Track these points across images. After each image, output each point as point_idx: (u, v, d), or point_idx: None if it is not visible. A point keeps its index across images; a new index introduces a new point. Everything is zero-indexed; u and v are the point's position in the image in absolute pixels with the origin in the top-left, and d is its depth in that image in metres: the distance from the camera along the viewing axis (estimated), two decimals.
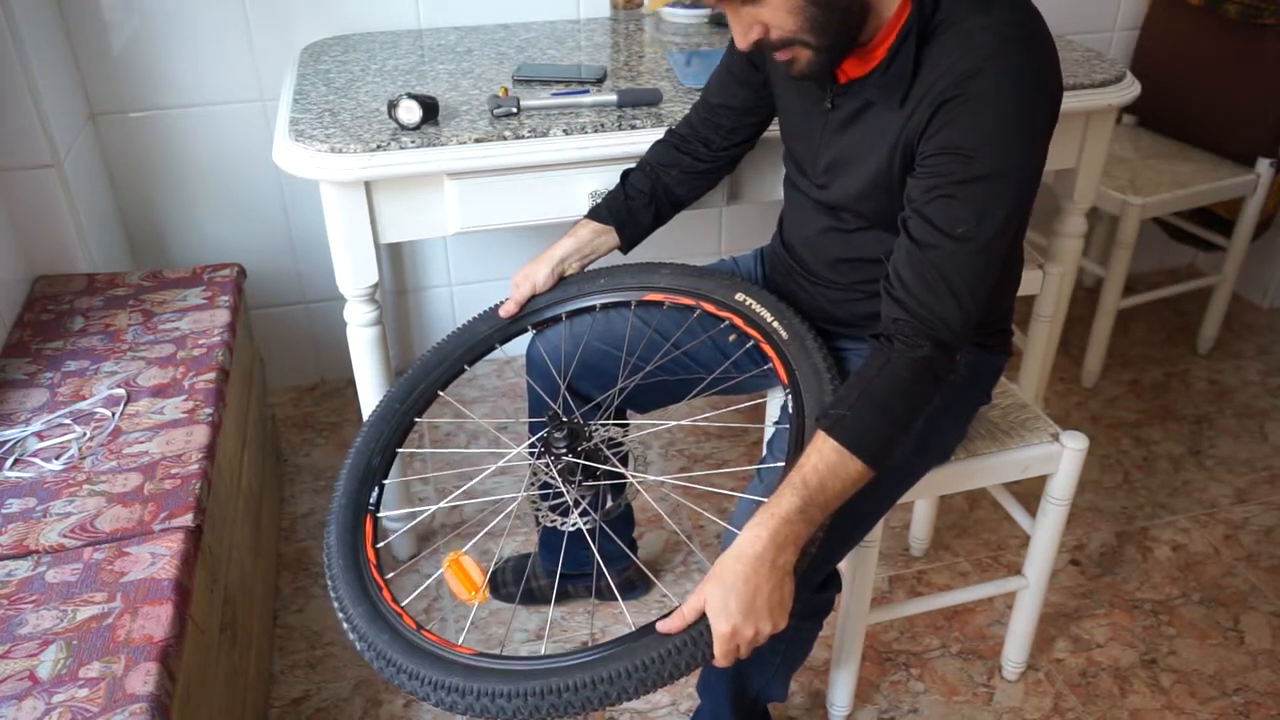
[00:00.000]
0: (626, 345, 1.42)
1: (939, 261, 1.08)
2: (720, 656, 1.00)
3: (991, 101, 1.04)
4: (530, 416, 1.58)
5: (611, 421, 1.37)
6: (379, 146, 1.44)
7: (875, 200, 1.19)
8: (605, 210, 1.44)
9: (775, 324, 1.31)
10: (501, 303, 1.45)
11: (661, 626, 1.01)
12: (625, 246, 1.46)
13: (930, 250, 1.08)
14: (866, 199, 1.20)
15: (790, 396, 1.23)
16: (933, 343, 1.09)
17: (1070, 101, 1.68)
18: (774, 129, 1.56)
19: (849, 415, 1.08)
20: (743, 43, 1.10)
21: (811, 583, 1.21)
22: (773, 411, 1.62)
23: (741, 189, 1.66)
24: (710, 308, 1.38)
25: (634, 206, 1.44)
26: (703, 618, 1.01)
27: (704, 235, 2.38)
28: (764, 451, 1.38)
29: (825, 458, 1.06)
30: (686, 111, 1.48)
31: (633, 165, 1.48)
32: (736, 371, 1.42)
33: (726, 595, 0.99)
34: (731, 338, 1.41)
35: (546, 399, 1.51)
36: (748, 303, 1.36)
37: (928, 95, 1.07)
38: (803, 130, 1.27)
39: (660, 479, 1.76)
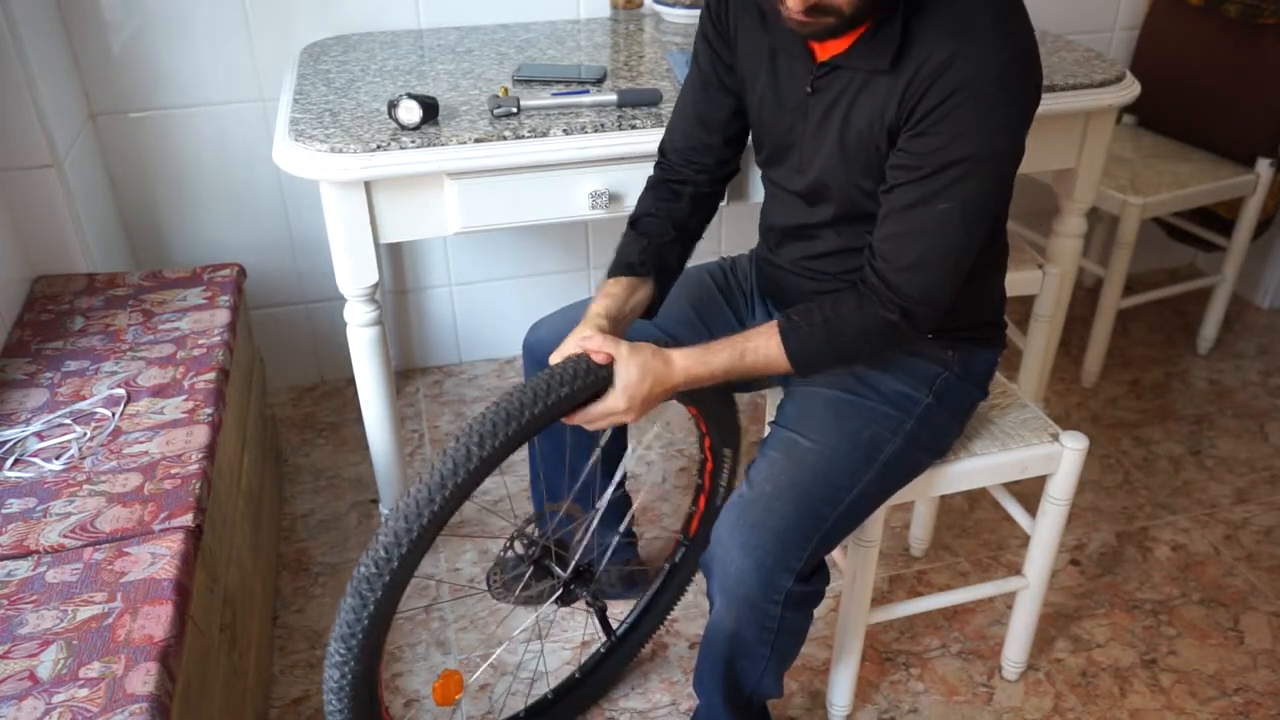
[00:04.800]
0: None
1: (920, 236, 1.12)
2: (593, 419, 1.18)
3: (987, 85, 1.05)
4: None
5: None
6: (379, 146, 1.44)
7: (852, 176, 1.18)
8: (635, 260, 1.30)
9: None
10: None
11: (588, 346, 1.16)
12: (659, 294, 1.33)
13: (913, 224, 1.12)
14: (845, 178, 1.19)
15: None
16: (902, 312, 1.15)
17: (1070, 101, 1.68)
18: None
19: (805, 331, 1.19)
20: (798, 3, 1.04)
21: (798, 573, 1.21)
22: (771, 411, 1.62)
23: (742, 189, 1.66)
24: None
25: (661, 244, 1.32)
26: (609, 372, 1.16)
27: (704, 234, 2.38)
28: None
29: (767, 348, 1.19)
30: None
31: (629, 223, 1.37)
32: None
33: (638, 387, 1.16)
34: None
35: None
36: None
37: (922, 68, 1.06)
38: (779, 119, 1.24)
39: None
